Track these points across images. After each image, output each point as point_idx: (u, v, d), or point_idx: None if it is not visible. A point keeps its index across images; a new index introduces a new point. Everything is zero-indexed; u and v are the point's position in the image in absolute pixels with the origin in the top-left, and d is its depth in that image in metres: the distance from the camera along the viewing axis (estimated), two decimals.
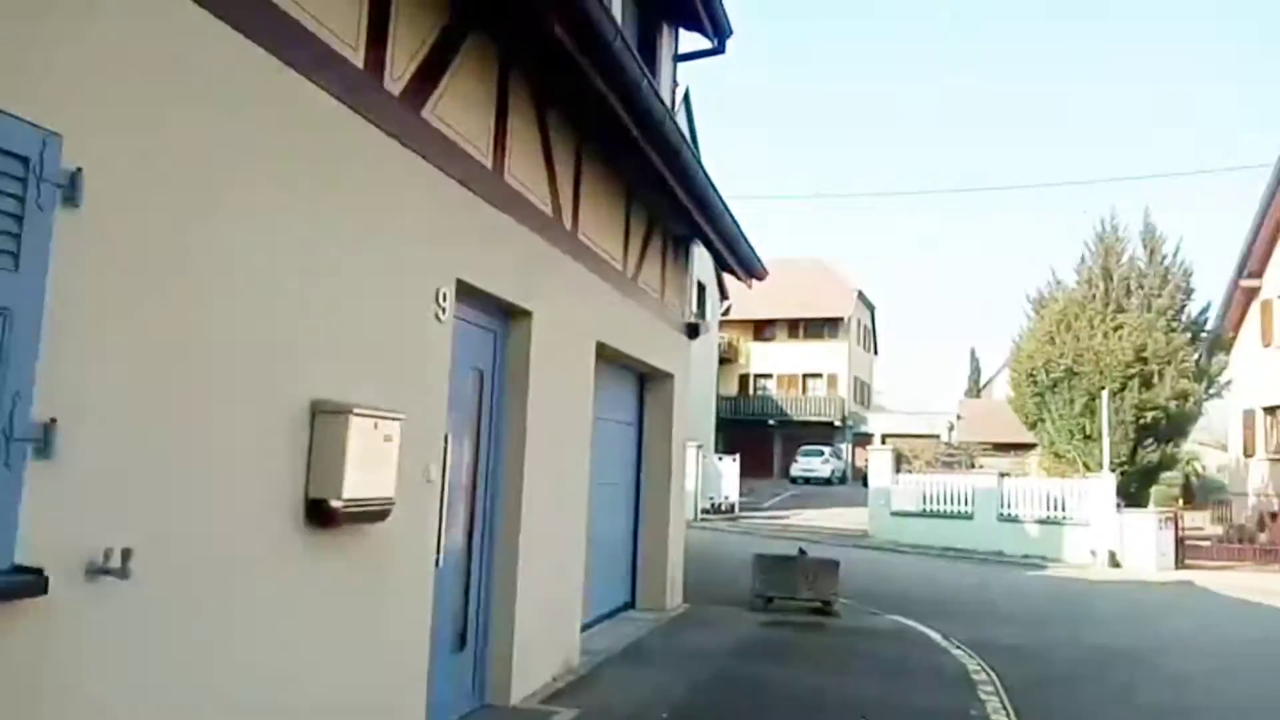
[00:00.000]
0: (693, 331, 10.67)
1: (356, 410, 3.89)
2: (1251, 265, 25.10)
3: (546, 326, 6.20)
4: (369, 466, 3.98)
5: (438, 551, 4.91)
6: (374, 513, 4.11)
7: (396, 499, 4.19)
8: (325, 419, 3.85)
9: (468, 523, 5.68)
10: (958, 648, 8.84)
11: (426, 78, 4.65)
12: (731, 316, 43.06)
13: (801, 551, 10.93)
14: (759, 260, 10.60)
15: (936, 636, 9.43)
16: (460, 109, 5.02)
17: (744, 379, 46.47)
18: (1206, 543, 21.45)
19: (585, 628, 7.76)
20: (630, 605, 9.54)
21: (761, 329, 46.85)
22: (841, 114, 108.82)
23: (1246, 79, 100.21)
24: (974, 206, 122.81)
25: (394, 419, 4.14)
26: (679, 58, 10.16)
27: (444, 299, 4.80)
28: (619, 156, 7.14)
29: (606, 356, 7.80)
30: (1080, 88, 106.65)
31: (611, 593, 9.14)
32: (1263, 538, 20.78)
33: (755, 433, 42.60)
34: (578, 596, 7.09)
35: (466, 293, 5.19)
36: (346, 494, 3.84)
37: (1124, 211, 22.35)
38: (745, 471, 27.68)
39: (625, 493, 9.54)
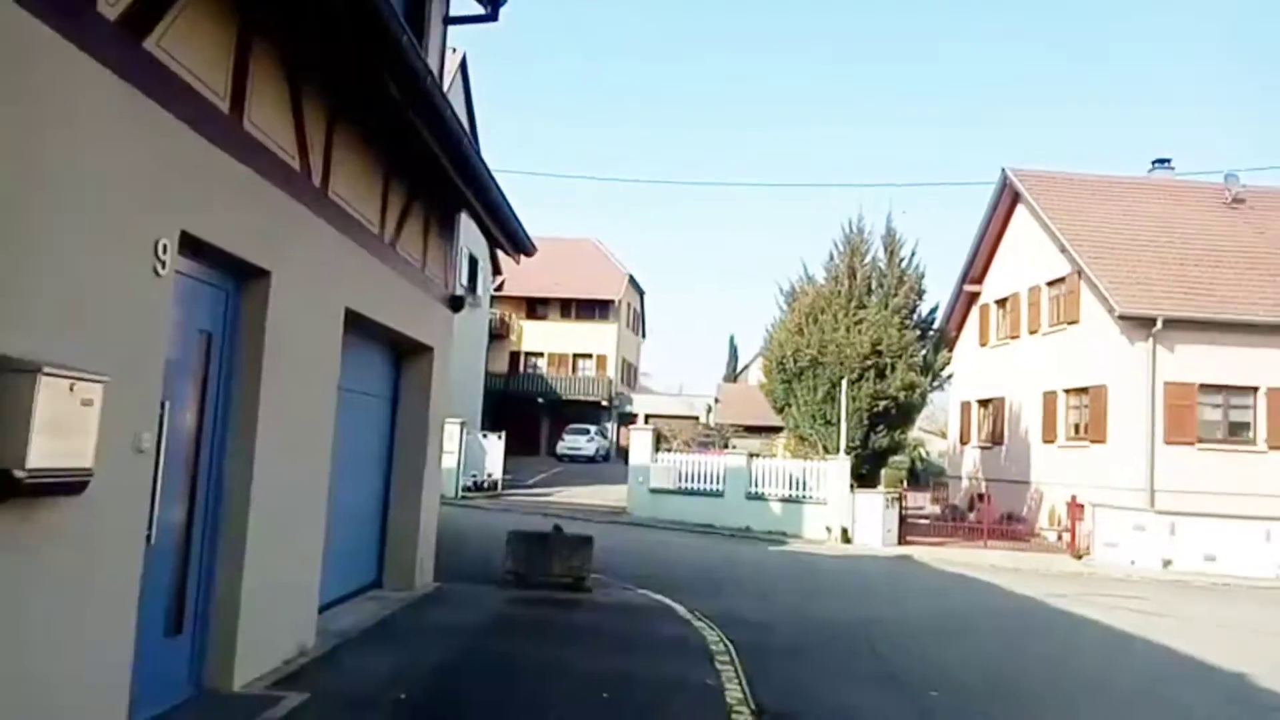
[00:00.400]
0: (456, 304, 10.43)
1: (47, 369, 3.45)
2: (973, 273, 28.02)
3: (287, 289, 5.81)
4: (62, 433, 3.55)
5: (150, 527, 4.49)
6: (69, 484, 3.68)
7: (97, 469, 3.77)
8: (8, 378, 3.39)
9: (188, 497, 5.23)
10: (700, 620, 9.23)
11: (152, 5, 4.18)
12: (505, 293, 42.76)
13: (557, 529, 11.00)
14: (527, 236, 10.51)
15: (682, 610, 9.80)
16: (192, 44, 4.56)
17: (515, 356, 46.30)
18: (925, 521, 23.75)
19: (326, 607, 7.41)
20: (377, 584, 9.22)
21: (534, 307, 46.85)
22: (628, 93, 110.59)
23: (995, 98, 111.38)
24: (744, 197, 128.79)
25: (96, 381, 3.72)
26: (449, 20, 9.83)
27: (164, 251, 4.35)
28: (376, 115, 6.79)
29: (357, 325, 7.44)
30: (865, 81, 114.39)
31: (357, 571, 8.79)
32: (971, 516, 23.33)
33: (524, 410, 42.59)
34: (315, 575, 6.74)
35: (193, 247, 4.75)
36: (32, 463, 3.41)
37: (888, 215, 23.92)
38: (513, 449, 27.59)
39: (375, 468, 9.19)
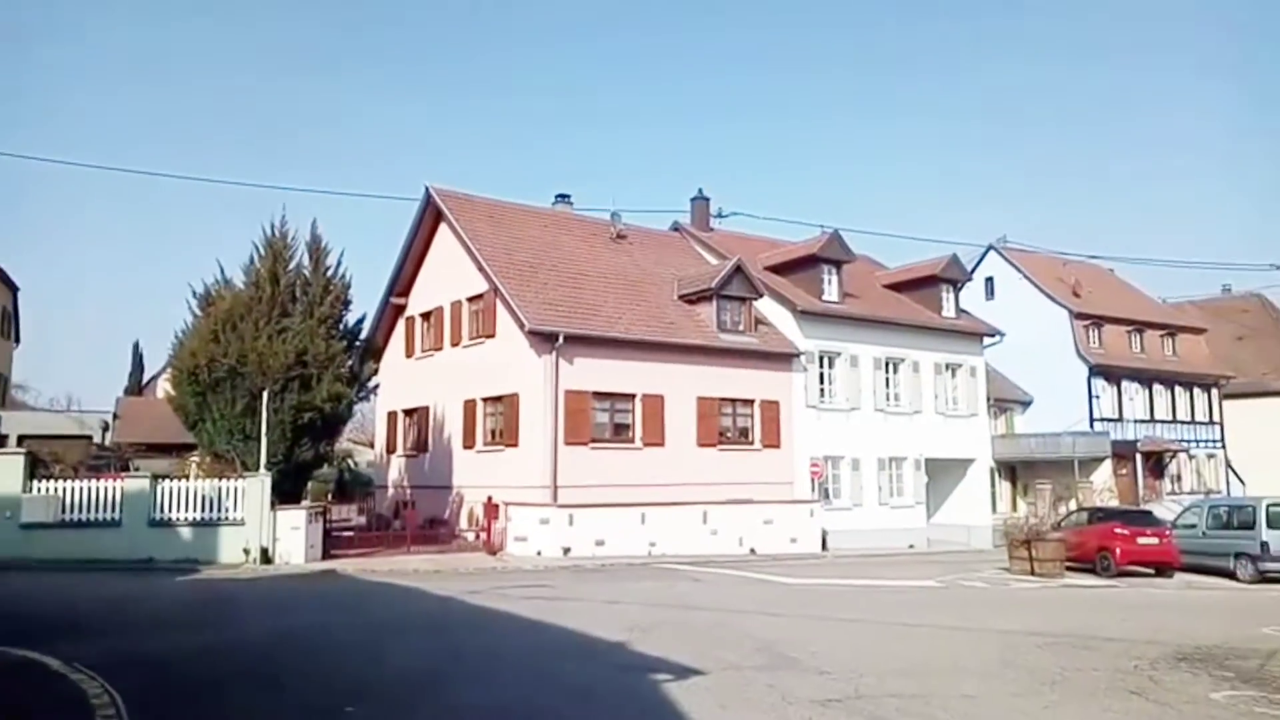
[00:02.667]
0: None
1: None
2: (400, 286, 28.63)
3: None
4: None
5: None
6: None
7: None
8: None
9: None
10: (79, 671, 7.86)
11: None
12: None
13: None
14: None
15: (56, 663, 8.24)
16: None
17: None
18: (352, 533, 23.49)
19: None
20: None
21: None
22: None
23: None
24: (137, 195, 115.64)
25: None
26: None
27: None
28: None
29: None
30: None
31: None
32: (397, 524, 23.65)
33: None
34: None
35: None
36: None
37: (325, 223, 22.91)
38: None
39: None
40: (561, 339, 22.56)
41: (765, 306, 27.89)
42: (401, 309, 28.87)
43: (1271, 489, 31.16)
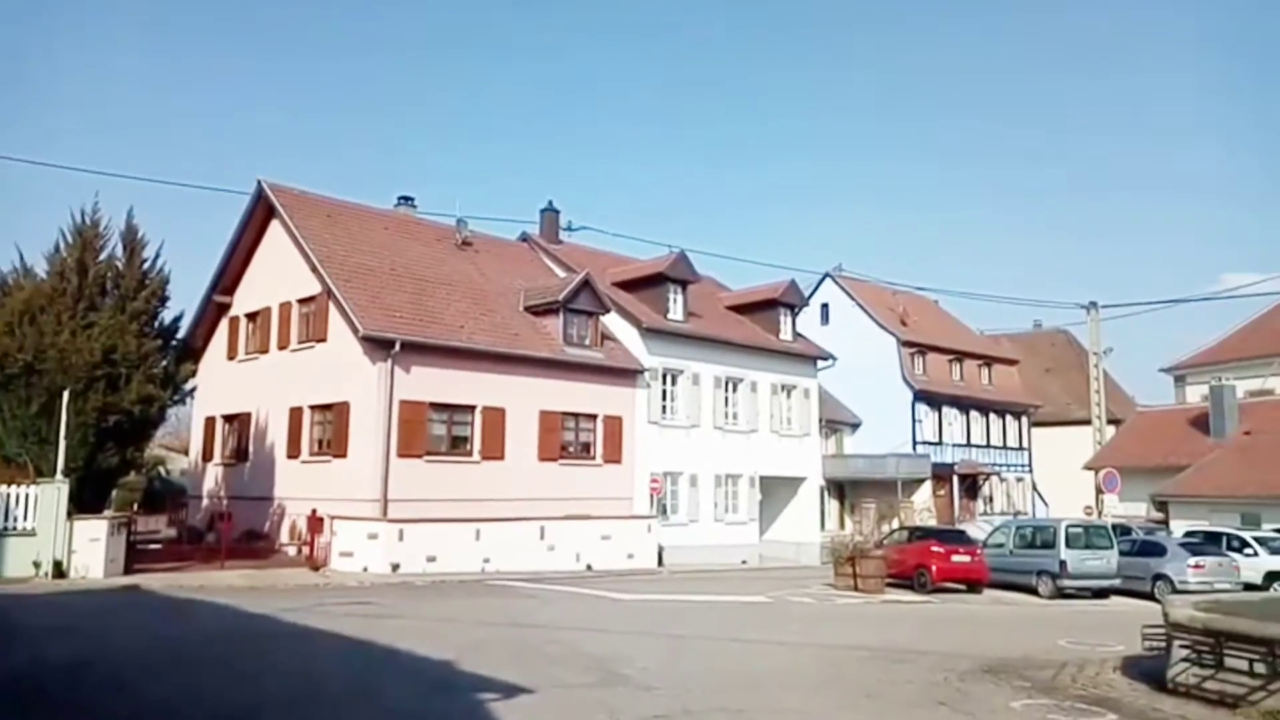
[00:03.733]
0: None
1: None
2: (225, 283, 26.98)
3: None
4: None
5: None
6: None
7: None
8: None
9: None
10: None
11: None
12: None
13: None
14: None
15: None
16: None
17: None
18: (160, 545, 21.83)
19: None
20: None
21: None
22: None
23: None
24: None
25: None
26: None
27: None
28: None
29: None
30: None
31: None
32: (211, 537, 22.14)
33: None
34: None
35: None
36: None
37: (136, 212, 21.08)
38: None
39: None
40: (398, 346, 21.79)
41: (611, 322, 27.95)
42: (225, 308, 27.18)
43: (1072, 510, 33.85)
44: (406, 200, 29.79)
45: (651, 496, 26.80)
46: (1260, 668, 8.24)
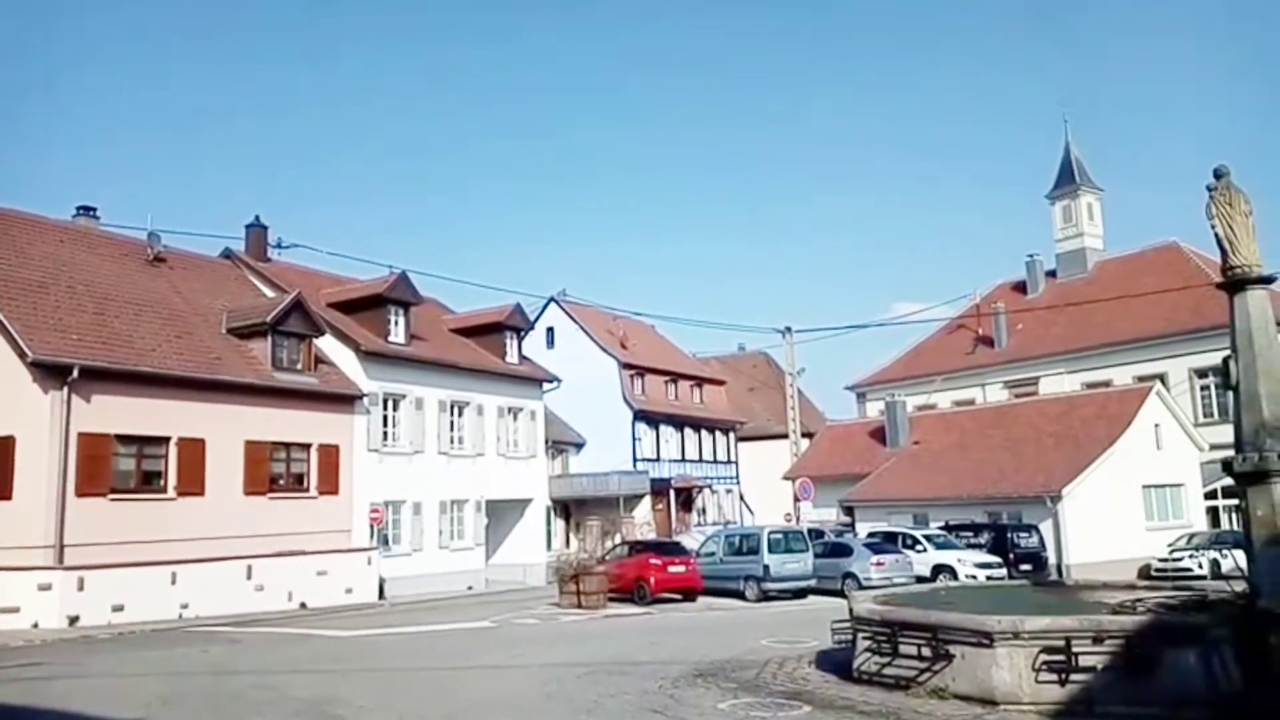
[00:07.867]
0: None
1: None
2: None
3: None
4: None
5: None
6: None
7: None
8: None
9: None
10: None
11: None
12: None
13: None
14: None
15: None
16: None
17: None
18: None
19: None
20: None
21: None
22: None
23: None
24: None
25: None
26: None
27: None
28: None
29: None
30: None
31: None
32: None
33: None
34: None
35: None
36: None
37: None
38: None
39: None
40: (76, 372, 19.46)
41: (327, 345, 26.67)
42: None
43: (775, 517, 36.62)
44: (87, 210, 26.78)
45: (372, 527, 25.80)
46: (926, 651, 9.33)
